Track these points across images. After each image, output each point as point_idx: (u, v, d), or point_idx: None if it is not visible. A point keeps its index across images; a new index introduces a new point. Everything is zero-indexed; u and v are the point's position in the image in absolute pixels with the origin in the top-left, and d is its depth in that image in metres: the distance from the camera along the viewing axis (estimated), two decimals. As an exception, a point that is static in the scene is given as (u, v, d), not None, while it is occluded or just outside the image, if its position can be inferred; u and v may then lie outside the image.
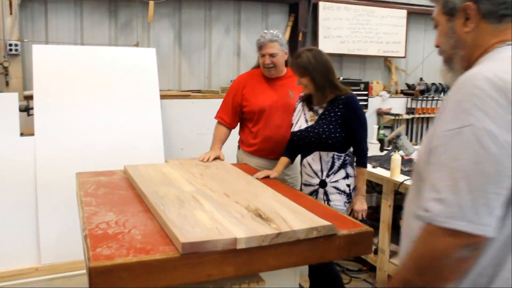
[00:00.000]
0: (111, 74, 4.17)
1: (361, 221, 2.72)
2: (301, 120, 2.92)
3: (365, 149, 2.86)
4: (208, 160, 3.15)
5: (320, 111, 2.85)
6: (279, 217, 1.98)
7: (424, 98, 6.10)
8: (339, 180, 2.83)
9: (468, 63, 1.34)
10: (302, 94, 3.03)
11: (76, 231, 3.68)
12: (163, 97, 4.52)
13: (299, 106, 3.00)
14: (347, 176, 2.84)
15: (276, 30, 3.33)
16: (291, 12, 5.45)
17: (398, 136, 4.28)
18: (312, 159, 2.84)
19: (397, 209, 3.92)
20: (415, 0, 6.10)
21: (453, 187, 1.08)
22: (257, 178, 2.76)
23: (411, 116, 6.00)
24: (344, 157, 2.83)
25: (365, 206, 2.83)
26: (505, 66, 1.18)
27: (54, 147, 3.81)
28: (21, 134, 3.80)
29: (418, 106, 6.07)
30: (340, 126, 2.77)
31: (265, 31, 3.30)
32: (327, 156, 2.80)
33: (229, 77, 5.28)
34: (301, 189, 2.95)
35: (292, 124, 2.98)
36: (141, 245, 1.74)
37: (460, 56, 1.35)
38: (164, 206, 2.06)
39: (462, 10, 1.31)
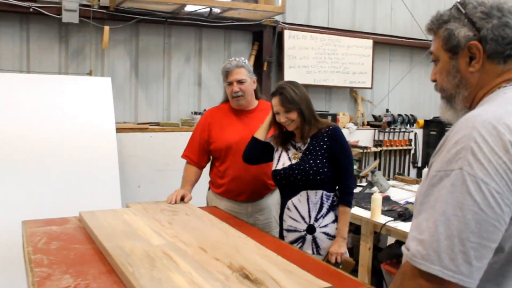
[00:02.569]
0: (61, 106, 3.87)
1: (334, 264, 2.53)
2: (283, 158, 2.72)
3: (350, 186, 2.68)
4: (175, 201, 2.89)
5: (303, 147, 2.67)
6: (270, 279, 1.74)
7: (391, 130, 6.06)
8: (329, 224, 2.63)
9: (471, 103, 1.31)
10: (273, 135, 2.83)
11: None
12: (118, 130, 4.23)
13: (276, 147, 2.81)
14: (336, 219, 2.64)
15: (242, 57, 3.15)
16: (255, 41, 5.32)
17: (372, 172, 4.15)
18: (299, 200, 2.63)
19: (376, 251, 3.76)
20: (381, 30, 6.11)
21: (433, 230, 1.07)
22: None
23: (379, 148, 5.94)
24: (333, 198, 2.64)
25: (342, 250, 2.63)
26: (510, 108, 1.15)
27: (-6, 189, 3.45)
28: (-44, 174, 3.42)
29: (386, 138, 6.03)
30: (328, 161, 2.60)
31: (231, 58, 3.11)
32: (315, 196, 2.61)
33: (189, 109, 5.06)
34: (282, 236, 2.72)
35: (273, 164, 2.77)
36: (108, 322, 1.46)
37: (464, 96, 1.31)
38: (133, 267, 1.78)
39: (466, 49, 1.27)
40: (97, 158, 3.82)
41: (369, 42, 5.88)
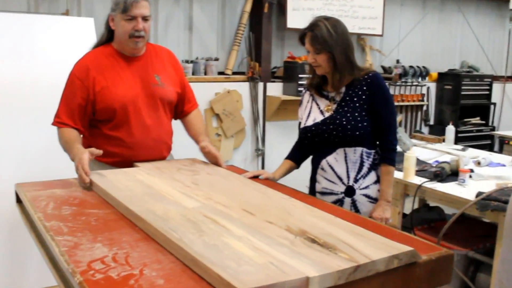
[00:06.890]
0: (31, 51, 3.66)
1: None
2: (314, 112, 2.62)
3: (393, 142, 2.61)
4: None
5: (338, 97, 2.58)
6: (341, 243, 1.66)
7: (402, 84, 6.02)
8: (370, 186, 2.57)
9: None
10: (306, 81, 2.75)
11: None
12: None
13: (307, 96, 2.72)
14: (378, 180, 2.58)
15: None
16: (255, -22, 5.15)
17: (395, 128, 4.09)
18: (335, 159, 2.55)
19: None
20: (392, -31, 5.99)
21: None
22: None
23: (389, 104, 5.89)
24: (374, 155, 2.58)
25: (387, 215, 2.58)
26: None
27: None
28: None
29: (396, 93, 5.98)
30: (367, 114, 2.52)
31: None
32: (354, 154, 2.53)
33: (180, 57, 4.87)
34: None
35: (301, 120, 2.68)
36: (172, 295, 1.37)
37: None
38: (178, 233, 1.68)
39: None
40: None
41: (380, -18, 5.76)
